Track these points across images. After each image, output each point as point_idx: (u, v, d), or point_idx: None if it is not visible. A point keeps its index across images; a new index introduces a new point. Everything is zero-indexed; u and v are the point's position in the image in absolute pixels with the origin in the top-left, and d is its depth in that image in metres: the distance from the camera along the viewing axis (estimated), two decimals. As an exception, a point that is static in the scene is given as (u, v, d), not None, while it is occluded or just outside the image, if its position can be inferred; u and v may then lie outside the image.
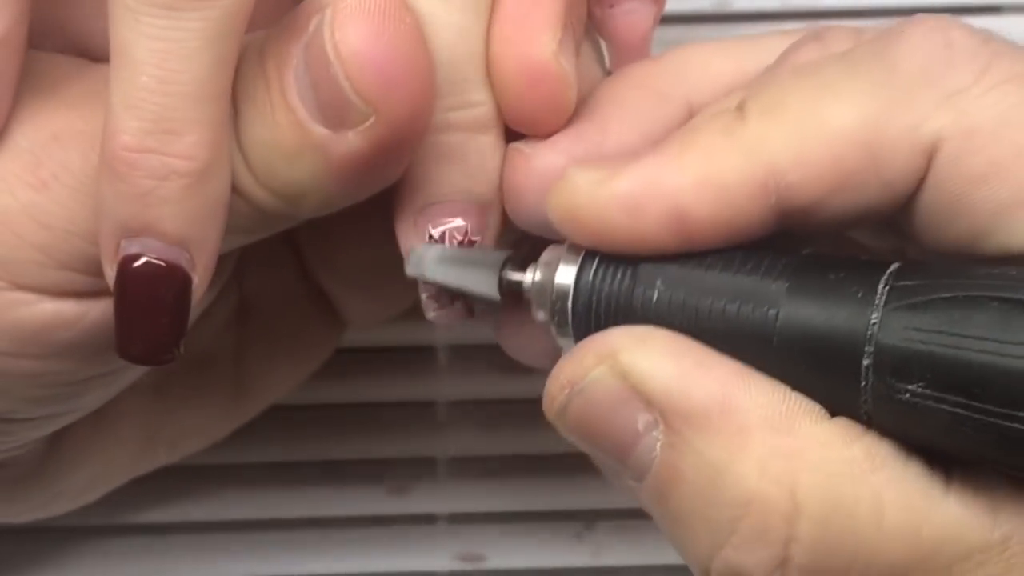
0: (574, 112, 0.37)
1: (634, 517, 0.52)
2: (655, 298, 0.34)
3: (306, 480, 0.51)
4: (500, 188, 0.37)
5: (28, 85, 0.36)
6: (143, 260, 0.33)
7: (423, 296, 0.38)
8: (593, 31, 0.40)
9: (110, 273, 0.34)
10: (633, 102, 0.37)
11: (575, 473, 0.51)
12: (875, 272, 0.33)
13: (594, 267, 0.35)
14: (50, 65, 0.37)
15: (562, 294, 0.35)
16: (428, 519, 0.52)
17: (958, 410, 0.31)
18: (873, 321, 0.32)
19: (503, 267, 0.36)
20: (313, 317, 0.47)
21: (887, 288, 0.32)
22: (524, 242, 0.38)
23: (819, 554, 0.32)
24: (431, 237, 0.36)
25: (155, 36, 0.33)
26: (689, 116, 0.37)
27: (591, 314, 0.35)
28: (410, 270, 0.37)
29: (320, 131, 0.34)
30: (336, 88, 0.33)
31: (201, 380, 0.46)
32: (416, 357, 0.50)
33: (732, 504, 0.32)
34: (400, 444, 0.51)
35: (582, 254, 0.35)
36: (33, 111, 0.35)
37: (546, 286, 0.35)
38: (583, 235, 0.34)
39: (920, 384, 0.31)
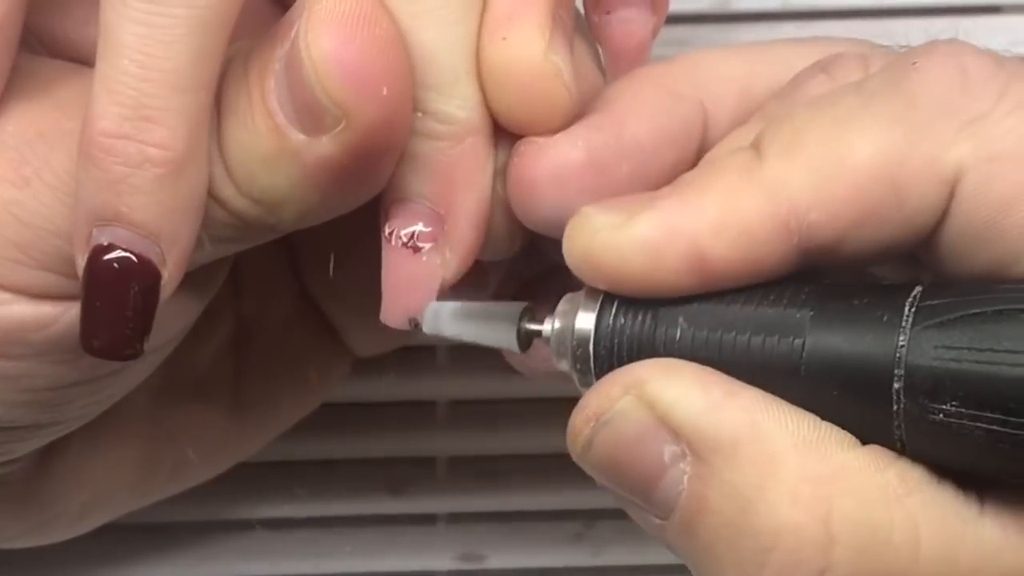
0: (588, 107, 0.37)
1: (634, 517, 0.52)
2: (678, 336, 0.34)
3: (306, 480, 0.51)
4: (473, 199, 0.36)
5: (18, 84, 0.36)
6: (113, 252, 0.33)
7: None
8: (588, 32, 0.40)
9: (81, 263, 0.34)
10: (650, 100, 0.37)
11: (575, 473, 0.51)
12: (899, 295, 0.32)
13: (613, 311, 0.34)
14: (41, 67, 0.37)
15: (583, 340, 0.34)
16: (428, 519, 0.52)
17: (994, 427, 0.30)
18: (901, 343, 0.31)
19: (521, 319, 0.36)
20: (316, 345, 0.47)
21: (913, 309, 0.32)
22: (537, 284, 0.38)
23: None
24: (385, 236, 0.36)
25: (139, 20, 0.33)
26: (703, 118, 0.37)
27: (613, 358, 0.34)
28: (427, 328, 0.36)
29: (297, 137, 0.34)
30: (309, 91, 0.33)
31: (199, 403, 0.45)
32: (416, 357, 0.50)
33: (763, 534, 0.32)
34: (400, 444, 0.51)
35: (600, 299, 0.34)
36: (21, 109, 0.35)
37: (566, 334, 0.35)
38: (602, 279, 0.34)
39: (954, 404, 0.31)
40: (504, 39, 0.35)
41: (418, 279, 0.36)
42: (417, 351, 0.50)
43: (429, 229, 0.36)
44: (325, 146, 0.34)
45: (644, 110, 0.37)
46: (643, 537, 0.51)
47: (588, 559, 0.52)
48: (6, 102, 0.36)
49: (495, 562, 0.52)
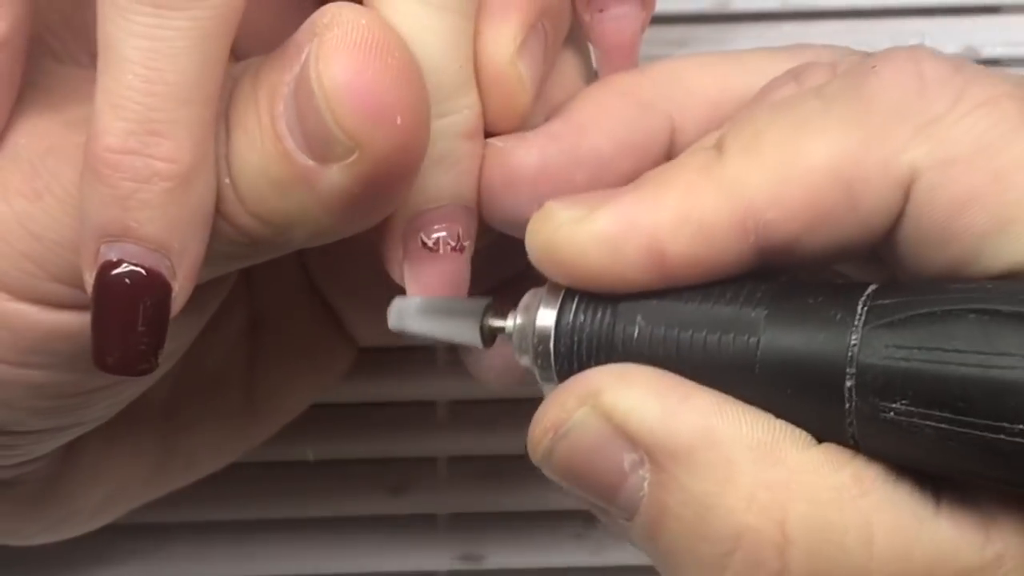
0: (554, 112, 0.37)
1: (633, 517, 0.52)
2: (636, 334, 0.34)
3: (306, 480, 0.51)
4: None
5: (32, 97, 0.36)
6: (123, 267, 0.33)
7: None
8: (582, 39, 0.40)
9: (89, 280, 0.34)
10: (615, 109, 0.37)
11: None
12: (853, 294, 0.33)
13: (574, 307, 0.34)
14: (56, 80, 0.37)
15: (543, 337, 0.35)
16: (428, 519, 0.52)
17: (943, 425, 0.31)
18: (853, 342, 0.32)
19: (484, 315, 0.36)
20: (324, 334, 0.47)
21: (865, 308, 0.32)
22: (505, 287, 0.38)
23: None
24: (424, 244, 0.36)
25: (142, 34, 0.32)
26: (670, 129, 0.37)
27: (573, 355, 0.34)
28: (392, 324, 0.36)
29: (307, 162, 0.33)
30: (320, 121, 0.33)
31: (214, 396, 0.45)
32: (416, 357, 0.50)
33: (722, 539, 0.32)
34: (400, 444, 0.51)
35: (561, 295, 0.35)
36: (34, 122, 0.35)
37: (527, 330, 0.35)
38: (562, 273, 0.34)
39: (904, 402, 0.31)
40: (480, 34, 0.36)
41: (460, 277, 0.37)
42: (417, 351, 0.50)
43: (465, 227, 0.37)
44: (336, 175, 0.33)
45: (607, 120, 0.37)
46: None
47: (588, 559, 0.52)
48: (18, 115, 0.35)
49: (495, 562, 0.52)
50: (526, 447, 0.51)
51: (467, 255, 0.37)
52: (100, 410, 0.39)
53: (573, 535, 0.52)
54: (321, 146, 0.33)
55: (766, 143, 0.34)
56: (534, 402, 0.51)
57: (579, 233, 0.34)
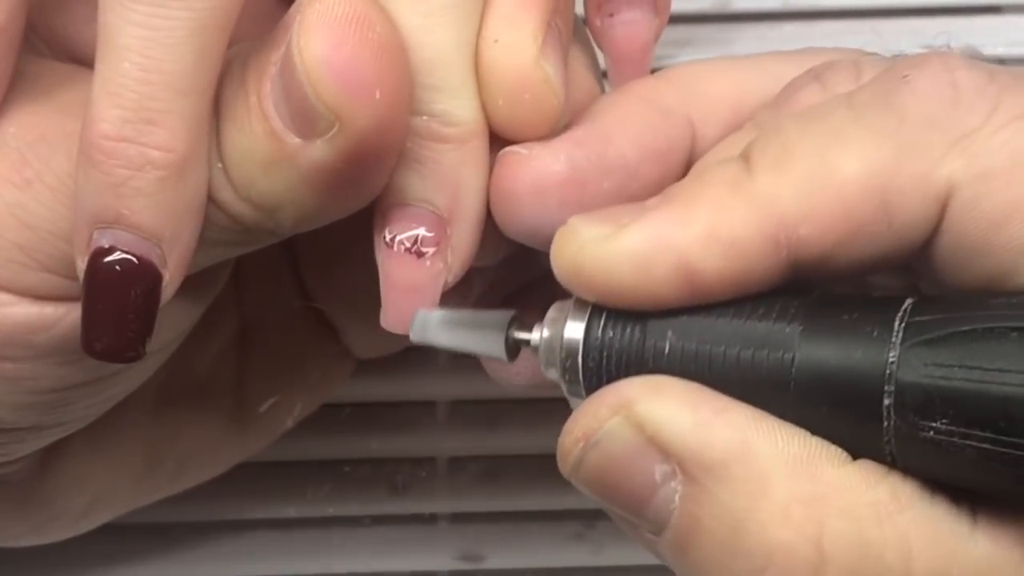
0: (574, 119, 0.37)
1: (634, 517, 0.52)
2: (667, 350, 0.33)
3: (306, 480, 0.51)
4: (475, 203, 0.36)
5: (20, 86, 0.36)
6: (115, 254, 0.33)
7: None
8: (589, 42, 0.40)
9: (81, 265, 0.34)
10: (638, 115, 0.37)
11: (575, 473, 0.51)
12: (890, 309, 0.32)
13: (602, 323, 0.34)
14: (43, 69, 0.37)
15: (572, 351, 0.34)
16: (428, 519, 0.52)
17: (985, 445, 0.30)
18: (891, 359, 0.31)
19: (509, 327, 0.36)
20: (317, 345, 0.47)
21: (903, 325, 0.32)
22: (523, 294, 0.38)
23: None
24: (386, 241, 0.36)
25: (140, 23, 0.33)
26: (691, 135, 0.37)
27: (602, 369, 0.34)
28: (414, 336, 0.36)
29: (293, 141, 0.33)
30: (302, 95, 0.33)
31: (201, 403, 0.45)
32: (416, 357, 0.50)
33: (755, 555, 0.32)
34: (400, 444, 0.51)
35: (589, 309, 0.34)
36: (24, 111, 0.35)
37: (555, 343, 0.35)
38: (590, 292, 0.34)
39: (944, 421, 0.31)
40: (496, 41, 0.35)
41: (422, 285, 0.36)
42: (417, 351, 0.50)
43: (432, 234, 0.36)
44: (319, 150, 0.33)
45: (631, 126, 0.36)
46: (643, 537, 0.52)
47: (588, 559, 0.52)
48: (8, 104, 0.36)
49: (495, 562, 0.52)
50: (526, 447, 0.51)
51: (431, 264, 0.36)
52: (80, 410, 0.39)
53: (573, 535, 0.52)
54: (304, 122, 0.33)
55: (797, 156, 0.33)
56: (534, 402, 0.51)
57: (607, 251, 0.33)
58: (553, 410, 0.50)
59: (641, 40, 0.39)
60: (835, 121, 0.34)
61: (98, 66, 0.33)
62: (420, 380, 0.51)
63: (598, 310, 0.34)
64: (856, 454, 0.32)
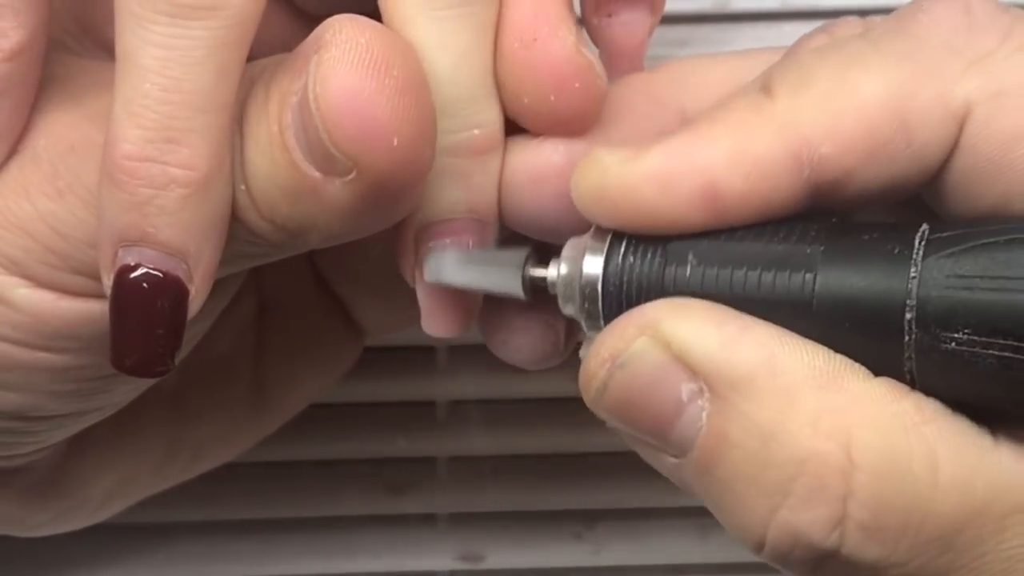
0: None
1: (634, 517, 0.52)
2: (688, 273, 0.33)
3: (306, 480, 0.51)
4: (496, 199, 0.36)
5: (51, 93, 0.36)
6: (140, 271, 0.33)
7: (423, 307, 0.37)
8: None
9: (107, 283, 0.34)
10: (632, 106, 0.37)
11: (575, 473, 0.51)
12: (909, 229, 0.33)
13: (622, 250, 0.34)
14: (73, 71, 0.37)
15: (591, 282, 0.34)
16: (428, 519, 0.52)
17: (1007, 354, 0.31)
18: (912, 275, 0.32)
19: (525, 264, 0.36)
20: (331, 324, 0.47)
21: (923, 242, 0.32)
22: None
23: (877, 510, 0.32)
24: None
25: (160, 44, 0.33)
26: (683, 122, 0.37)
27: (623, 296, 0.34)
28: (429, 276, 0.36)
29: (314, 173, 0.33)
30: (319, 139, 0.33)
31: (221, 386, 0.45)
32: (416, 357, 0.50)
33: (786, 464, 0.32)
34: (400, 444, 0.51)
35: (608, 240, 0.34)
36: (54, 121, 0.36)
37: (573, 277, 0.35)
38: (612, 215, 0.34)
39: (966, 331, 0.31)
40: (535, 40, 0.35)
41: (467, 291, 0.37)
42: (417, 351, 0.50)
43: (478, 238, 0.36)
44: (339, 189, 0.33)
45: (628, 118, 0.37)
46: (643, 537, 0.52)
47: (588, 559, 0.52)
48: (38, 114, 0.36)
49: (495, 562, 0.52)
50: (526, 447, 0.51)
51: None
52: (119, 395, 0.39)
53: (573, 535, 0.52)
54: (323, 160, 0.33)
55: (817, 79, 0.34)
56: (534, 402, 0.51)
57: (630, 173, 0.33)
58: (553, 410, 0.51)
59: (638, 39, 0.40)
60: (852, 50, 0.34)
61: (118, 85, 0.33)
62: (420, 380, 0.51)
63: (618, 238, 0.34)
64: (877, 373, 0.33)
